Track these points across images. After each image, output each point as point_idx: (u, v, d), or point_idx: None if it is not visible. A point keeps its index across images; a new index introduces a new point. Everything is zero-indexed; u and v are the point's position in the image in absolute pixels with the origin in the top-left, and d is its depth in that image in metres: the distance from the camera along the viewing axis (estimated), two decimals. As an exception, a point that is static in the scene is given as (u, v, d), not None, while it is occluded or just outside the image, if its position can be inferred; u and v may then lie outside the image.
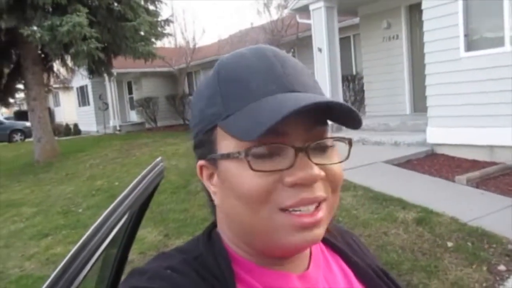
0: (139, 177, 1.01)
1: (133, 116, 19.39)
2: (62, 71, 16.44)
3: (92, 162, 9.59)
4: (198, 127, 0.55)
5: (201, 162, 0.56)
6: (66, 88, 23.22)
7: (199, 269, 0.52)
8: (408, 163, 5.97)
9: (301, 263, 0.58)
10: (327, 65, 8.18)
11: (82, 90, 20.93)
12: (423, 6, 6.31)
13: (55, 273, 0.73)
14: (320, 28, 8.15)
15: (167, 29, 12.89)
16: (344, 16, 9.76)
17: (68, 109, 26.06)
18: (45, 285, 0.74)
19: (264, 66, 0.52)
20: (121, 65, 14.58)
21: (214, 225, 0.60)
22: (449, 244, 3.54)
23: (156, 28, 11.50)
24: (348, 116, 0.51)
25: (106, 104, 18.17)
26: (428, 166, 5.82)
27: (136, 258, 3.81)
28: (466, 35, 5.83)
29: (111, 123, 18.15)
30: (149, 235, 4.40)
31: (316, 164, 0.49)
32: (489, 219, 3.92)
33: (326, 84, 8.24)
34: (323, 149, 0.52)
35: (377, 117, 8.36)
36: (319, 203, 0.50)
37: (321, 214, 0.50)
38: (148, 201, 1.10)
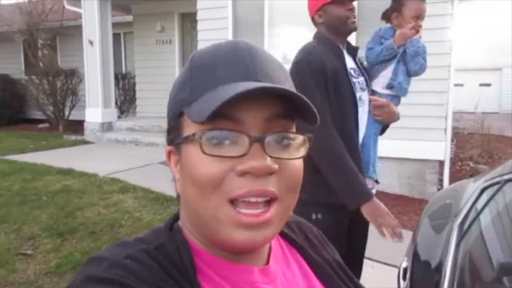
0: None
1: None
2: None
3: None
4: (170, 114, 0.56)
5: (168, 147, 0.57)
6: None
7: (160, 259, 0.51)
8: (182, 164, 6.24)
9: (261, 257, 0.58)
10: (99, 60, 7.73)
11: None
12: (198, 17, 6.73)
13: None
14: (93, 19, 7.62)
15: None
16: (116, 11, 9.41)
17: None
18: None
19: (234, 56, 0.52)
20: None
21: (176, 217, 0.60)
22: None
23: None
24: (307, 109, 0.50)
25: None
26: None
27: None
28: (234, 49, 6.53)
29: None
30: None
31: (271, 156, 0.49)
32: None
33: (98, 81, 7.77)
34: (283, 144, 0.51)
35: (149, 118, 8.40)
36: (269, 202, 0.50)
37: (268, 215, 0.49)
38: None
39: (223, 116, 0.48)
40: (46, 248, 3.44)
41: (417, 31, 1.89)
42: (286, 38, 6.35)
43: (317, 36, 1.75)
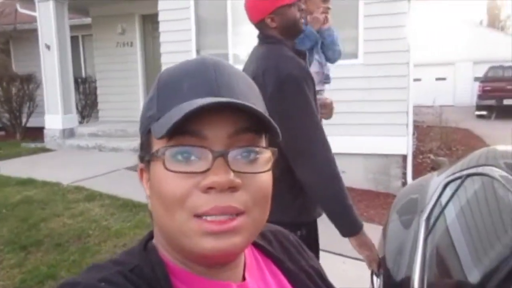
0: None
1: None
2: None
3: None
4: (141, 130, 0.57)
5: (140, 165, 0.57)
6: None
7: (135, 281, 0.50)
8: (149, 168, 6.14)
9: (237, 272, 0.57)
10: (57, 64, 7.47)
11: None
12: (160, 18, 6.63)
13: None
14: (49, 23, 7.36)
15: None
16: (74, 14, 9.13)
17: None
18: None
19: (199, 72, 0.53)
20: None
21: (150, 236, 0.59)
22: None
23: None
24: (268, 124, 0.50)
25: None
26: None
27: None
28: (198, 50, 6.49)
29: None
30: None
31: (235, 171, 0.48)
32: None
33: (57, 86, 7.52)
34: (250, 159, 0.51)
35: (113, 123, 8.20)
36: (236, 214, 0.49)
37: (234, 223, 0.49)
38: None
39: (186, 132, 0.48)
40: (10, 263, 3.30)
41: (326, 16, 1.91)
42: (250, 36, 6.34)
43: (274, 41, 1.56)
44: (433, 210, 1.73)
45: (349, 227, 1.43)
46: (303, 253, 0.71)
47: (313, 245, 1.55)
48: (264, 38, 1.60)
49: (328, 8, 1.91)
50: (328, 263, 1.79)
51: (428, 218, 1.70)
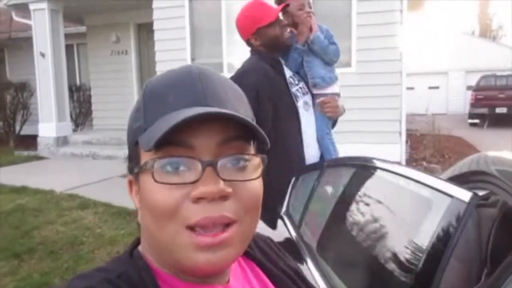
0: None
1: None
2: None
3: None
4: (128, 142, 0.56)
5: (129, 177, 0.56)
6: None
7: (122, 287, 0.50)
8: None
9: (224, 276, 0.57)
10: (52, 72, 7.48)
11: None
12: (155, 27, 6.67)
13: None
14: (44, 31, 7.38)
15: None
16: (68, 22, 9.15)
17: None
18: None
19: (185, 82, 0.52)
20: None
21: (135, 244, 0.59)
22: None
23: None
24: (256, 132, 0.50)
25: None
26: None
27: None
28: (192, 59, 6.52)
29: None
30: None
31: (225, 180, 0.48)
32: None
33: (51, 94, 7.52)
34: (239, 167, 0.50)
35: (107, 131, 8.19)
36: (228, 225, 0.49)
37: (226, 235, 0.49)
38: None
39: (174, 143, 0.48)
40: (2, 271, 3.27)
41: (309, 24, 1.89)
42: (244, 46, 6.39)
43: (255, 53, 1.86)
44: (289, 204, 1.83)
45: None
46: (281, 255, 0.71)
47: None
48: (250, 51, 1.92)
49: (309, 13, 1.90)
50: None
51: (286, 211, 1.79)
